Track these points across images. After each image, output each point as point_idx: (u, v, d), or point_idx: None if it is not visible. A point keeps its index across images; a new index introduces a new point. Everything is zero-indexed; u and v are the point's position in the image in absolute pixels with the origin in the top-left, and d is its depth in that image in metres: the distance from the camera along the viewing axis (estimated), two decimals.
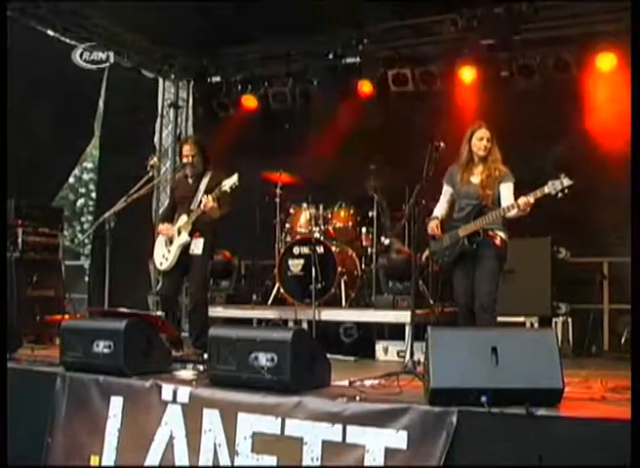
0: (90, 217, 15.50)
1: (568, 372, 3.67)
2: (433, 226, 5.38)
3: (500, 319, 5.57)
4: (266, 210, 8.11)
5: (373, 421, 3.65)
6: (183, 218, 5.90)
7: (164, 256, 5.97)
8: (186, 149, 6.05)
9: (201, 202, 5.78)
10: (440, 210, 5.50)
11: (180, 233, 5.89)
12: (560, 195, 4.84)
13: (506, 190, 5.19)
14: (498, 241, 5.20)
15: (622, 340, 6.82)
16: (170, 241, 5.94)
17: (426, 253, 5.68)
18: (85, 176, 16.99)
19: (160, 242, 6.07)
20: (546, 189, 4.87)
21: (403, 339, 6.13)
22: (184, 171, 6.10)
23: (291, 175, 8.07)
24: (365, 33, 8.56)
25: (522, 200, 4.96)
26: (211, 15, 7.71)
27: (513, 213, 5.06)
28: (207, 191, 5.85)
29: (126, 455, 4.35)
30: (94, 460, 4.45)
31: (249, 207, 8.09)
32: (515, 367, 3.53)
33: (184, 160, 6.02)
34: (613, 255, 7.53)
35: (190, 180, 6.06)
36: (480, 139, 5.26)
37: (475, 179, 5.29)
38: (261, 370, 3.99)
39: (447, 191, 5.49)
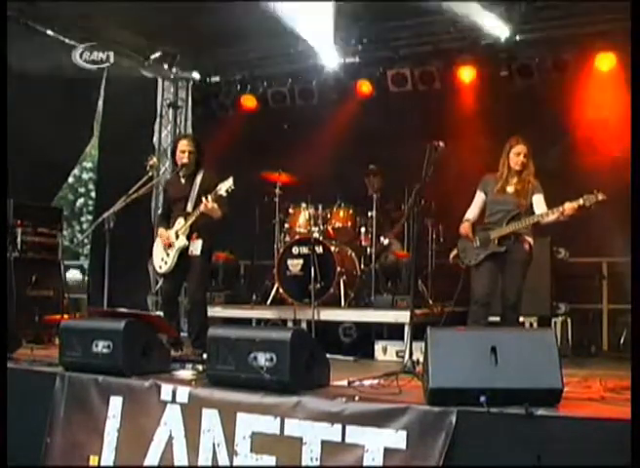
0: (89, 217, 15.50)
1: (567, 372, 3.67)
2: (465, 227, 5.66)
3: (499, 319, 5.61)
4: (265, 210, 8.11)
5: (372, 421, 3.65)
6: (180, 221, 5.88)
7: (163, 260, 5.96)
8: (184, 144, 6.01)
9: (197, 202, 5.78)
10: (471, 213, 5.76)
11: (177, 236, 5.88)
12: (593, 207, 5.19)
13: (539, 200, 5.52)
14: (527, 246, 5.52)
15: (622, 340, 6.83)
16: (169, 244, 5.93)
17: (454, 252, 5.81)
18: (84, 176, 16.99)
19: (158, 245, 6.04)
20: (581, 201, 5.18)
21: (402, 339, 6.13)
22: (176, 170, 6.09)
23: (290, 175, 8.07)
24: (365, 33, 8.56)
25: (568, 205, 5.25)
26: (211, 15, 7.70)
27: (553, 217, 5.36)
28: (201, 192, 5.84)
29: (125, 455, 4.34)
30: (93, 460, 4.44)
31: (248, 207, 8.10)
32: (514, 366, 3.53)
33: (182, 155, 5.99)
34: (612, 255, 7.54)
35: (183, 180, 6.04)
36: (517, 155, 5.57)
37: (510, 189, 5.59)
38: (261, 369, 3.99)
39: (480, 197, 5.76)
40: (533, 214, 5.47)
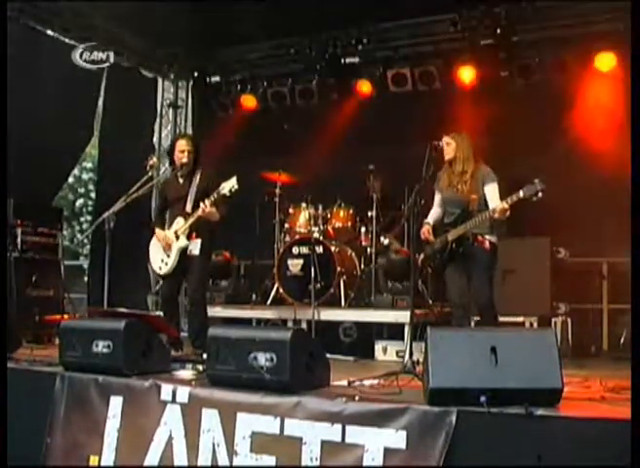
0: (89, 217, 15.50)
1: (567, 372, 3.66)
2: (425, 231, 5.57)
3: (499, 319, 5.60)
4: (266, 209, 8.11)
5: (372, 421, 3.65)
6: (180, 221, 5.87)
7: (163, 261, 5.94)
8: (183, 144, 6.00)
9: (197, 202, 5.78)
10: (433, 215, 5.69)
11: (178, 237, 5.87)
12: (535, 199, 4.94)
13: (491, 192, 5.35)
14: (487, 245, 5.35)
15: (622, 340, 6.82)
16: (168, 245, 5.92)
17: (422, 255, 5.76)
18: (84, 176, 16.97)
19: (156, 246, 6.02)
20: (521, 193, 4.98)
21: (402, 339, 6.13)
22: (174, 170, 6.09)
23: (290, 175, 8.07)
24: (365, 33, 8.56)
25: (499, 207, 5.12)
26: (211, 15, 7.71)
27: (495, 216, 5.19)
28: (200, 191, 5.84)
29: (125, 455, 4.34)
30: (93, 460, 4.44)
31: (248, 207, 8.09)
32: (514, 366, 3.53)
33: (182, 155, 5.98)
34: (612, 255, 7.53)
35: (181, 180, 6.03)
36: (444, 146, 5.46)
37: (458, 185, 5.45)
38: (261, 369, 3.99)
39: (437, 197, 5.69)
40: (486, 209, 5.29)
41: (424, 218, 5.58)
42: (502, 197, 5.22)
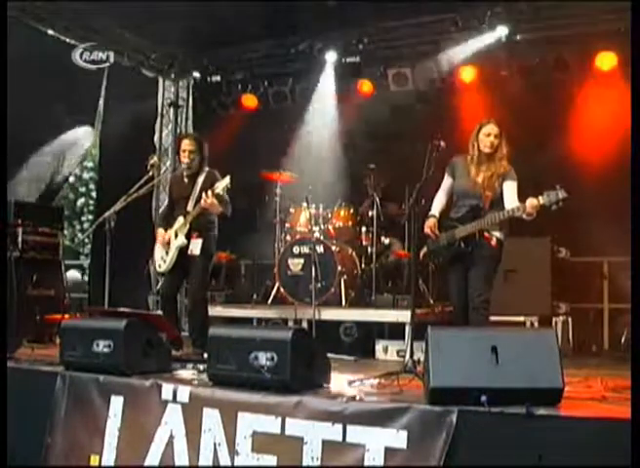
0: (90, 217, 15.50)
1: (568, 372, 3.66)
2: (431, 225, 5.31)
3: (500, 319, 5.59)
4: (266, 209, 8.12)
5: (373, 421, 3.65)
6: (180, 220, 5.90)
7: (162, 259, 5.99)
8: (186, 143, 6.01)
9: (197, 202, 5.79)
10: (438, 205, 5.41)
11: (176, 236, 5.89)
12: (554, 207, 4.74)
13: (510, 189, 5.12)
14: (493, 242, 5.13)
15: (622, 340, 6.82)
16: (167, 243, 5.95)
17: (424, 250, 5.51)
18: (85, 176, 16.95)
19: (159, 244, 6.07)
20: (541, 200, 4.79)
21: (403, 339, 6.13)
22: (181, 169, 6.10)
23: (291, 175, 8.07)
24: (365, 33, 8.56)
25: (529, 202, 4.84)
26: (211, 15, 7.70)
27: (518, 215, 4.98)
28: (202, 192, 5.85)
29: (126, 455, 4.34)
30: (93, 460, 4.44)
31: (249, 206, 8.10)
32: (515, 366, 3.53)
33: (183, 154, 5.99)
34: (613, 255, 7.53)
35: (186, 180, 6.04)
36: (487, 136, 5.18)
37: (479, 178, 5.19)
38: (261, 369, 3.99)
39: (447, 182, 5.41)
40: (501, 205, 5.08)
41: (425, 218, 5.44)
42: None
